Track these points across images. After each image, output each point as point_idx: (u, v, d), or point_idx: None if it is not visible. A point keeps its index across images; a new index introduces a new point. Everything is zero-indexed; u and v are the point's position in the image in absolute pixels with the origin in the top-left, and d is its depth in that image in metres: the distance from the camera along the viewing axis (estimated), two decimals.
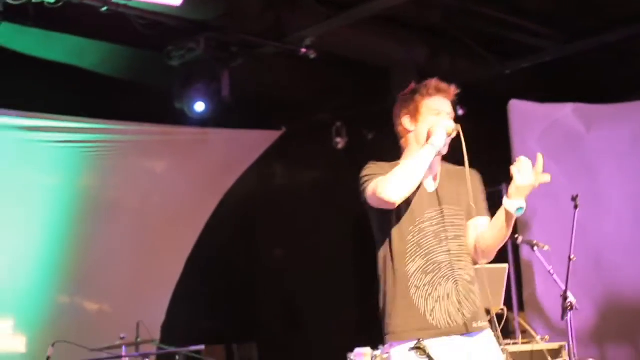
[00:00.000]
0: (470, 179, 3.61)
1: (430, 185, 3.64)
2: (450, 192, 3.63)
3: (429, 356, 3.24)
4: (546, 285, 6.52)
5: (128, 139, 7.97)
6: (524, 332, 6.47)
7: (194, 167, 8.46)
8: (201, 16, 6.99)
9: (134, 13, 6.56)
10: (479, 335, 3.47)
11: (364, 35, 7.92)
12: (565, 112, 7.55)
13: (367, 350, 5.44)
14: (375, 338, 5.73)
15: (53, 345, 5.76)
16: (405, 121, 3.73)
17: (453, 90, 3.71)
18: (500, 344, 5.61)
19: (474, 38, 8.33)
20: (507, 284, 6.20)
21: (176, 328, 8.22)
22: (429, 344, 3.30)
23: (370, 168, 3.67)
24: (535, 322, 6.96)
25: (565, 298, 5.34)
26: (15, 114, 7.37)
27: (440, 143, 3.55)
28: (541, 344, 5.87)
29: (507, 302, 6.98)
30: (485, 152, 8.31)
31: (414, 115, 3.69)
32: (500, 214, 3.52)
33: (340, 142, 9.54)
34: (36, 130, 7.55)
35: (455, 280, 3.47)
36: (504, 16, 7.87)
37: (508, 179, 7.98)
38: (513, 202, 3.50)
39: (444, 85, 3.70)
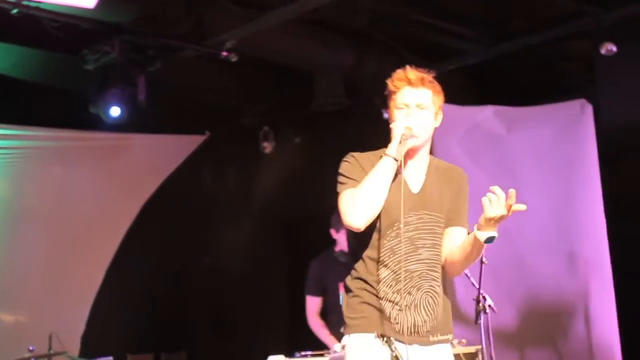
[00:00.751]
0: (452, 182, 3.50)
1: (416, 185, 3.42)
2: (434, 196, 3.42)
3: (392, 349, 3.24)
4: (466, 289, 6.49)
5: (44, 144, 7.80)
6: None
7: (114, 173, 8.30)
8: (116, 18, 6.88)
9: (46, 15, 6.42)
10: (435, 346, 3.36)
11: (288, 38, 7.86)
12: (486, 114, 7.57)
13: (280, 357, 5.37)
14: (308, 344, 5.69)
15: None
16: (387, 115, 3.50)
17: (421, 78, 3.43)
18: None
19: (400, 41, 8.32)
20: None
21: (99, 338, 8.06)
22: (397, 344, 3.27)
23: (347, 166, 3.41)
24: (455, 326, 6.92)
25: (478, 301, 5.34)
26: None
27: (396, 152, 3.27)
28: (457, 348, 5.82)
29: None
30: None
31: (389, 108, 3.47)
32: (470, 240, 3.34)
33: (267, 147, 9.47)
34: None
35: (426, 291, 3.33)
36: (430, 20, 7.88)
37: None
38: (483, 232, 3.28)
39: (412, 74, 3.42)
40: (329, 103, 8.54)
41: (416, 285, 3.30)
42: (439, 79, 8.65)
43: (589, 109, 7.53)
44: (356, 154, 3.45)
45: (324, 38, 8.11)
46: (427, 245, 3.35)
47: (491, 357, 5.37)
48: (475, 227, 3.32)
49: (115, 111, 7.42)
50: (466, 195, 3.56)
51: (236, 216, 9.66)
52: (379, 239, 3.32)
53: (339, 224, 6.27)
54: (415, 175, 3.42)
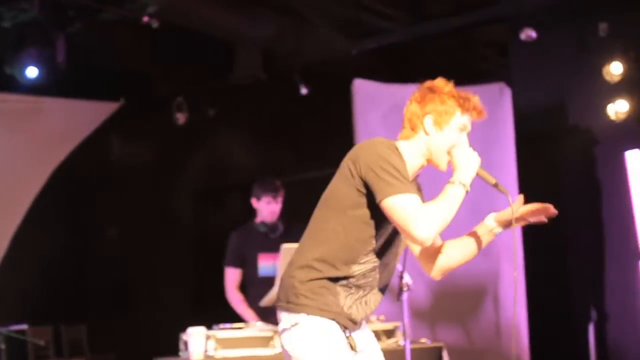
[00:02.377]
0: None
1: None
2: None
3: (348, 337, 3.33)
4: None
5: None
6: None
7: (24, 137, 8.03)
8: None
9: None
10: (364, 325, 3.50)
11: (210, 8, 7.76)
12: (408, 92, 7.52)
13: (201, 329, 5.30)
14: (211, 319, 5.62)
15: None
16: (428, 120, 3.43)
17: (485, 115, 3.50)
18: None
19: (321, 17, 8.29)
20: None
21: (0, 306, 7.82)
22: (353, 333, 3.35)
23: (398, 160, 3.27)
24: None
25: (401, 278, 5.38)
26: None
27: (468, 182, 3.39)
28: (376, 324, 5.86)
29: None
30: (328, 132, 8.36)
31: (441, 120, 3.41)
32: (482, 236, 3.57)
33: (180, 118, 9.30)
34: None
35: (378, 292, 3.39)
36: None
37: None
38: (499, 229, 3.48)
39: (481, 108, 3.46)
40: (246, 76, 8.46)
41: (375, 286, 3.36)
42: (358, 57, 8.67)
43: (507, 93, 7.64)
44: (394, 147, 3.38)
45: (246, 9, 8.04)
46: (397, 254, 3.45)
47: (408, 334, 5.42)
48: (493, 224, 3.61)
49: (32, 72, 7.17)
50: None
51: (146, 187, 9.51)
52: (369, 236, 3.28)
53: (260, 193, 6.24)
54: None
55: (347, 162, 3.32)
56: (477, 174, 3.44)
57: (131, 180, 9.32)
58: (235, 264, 6.16)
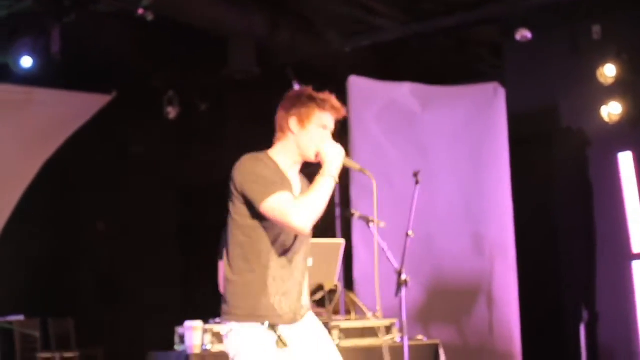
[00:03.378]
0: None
1: (297, 190, 3.76)
2: None
3: (279, 335, 3.62)
4: (379, 263, 6.52)
5: None
6: (351, 310, 6.47)
7: (16, 128, 7.98)
8: None
9: None
10: (304, 318, 3.80)
11: (204, 2, 7.72)
12: (403, 90, 7.59)
13: (199, 323, 5.26)
14: (201, 314, 5.59)
15: None
16: (293, 121, 3.71)
17: (344, 112, 3.79)
18: (331, 320, 5.61)
19: (316, 14, 8.27)
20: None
21: None
22: (280, 327, 3.64)
23: (266, 169, 3.64)
24: (365, 300, 6.96)
25: (400, 274, 5.36)
26: None
27: (335, 173, 3.64)
28: (372, 321, 5.85)
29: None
30: None
31: (303, 120, 3.71)
32: None
33: (171, 112, 9.25)
34: None
35: (295, 279, 3.74)
36: None
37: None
38: None
39: (339, 105, 3.77)
40: (239, 71, 8.43)
41: (293, 275, 3.74)
42: (352, 54, 8.66)
43: (501, 93, 7.66)
44: (261, 157, 3.70)
45: (240, 4, 8.01)
46: (304, 241, 3.75)
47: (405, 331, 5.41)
48: None
49: (26, 62, 7.10)
50: None
51: (136, 181, 9.45)
52: (274, 229, 3.63)
53: None
54: (298, 184, 3.78)
55: (230, 184, 3.68)
56: (344, 164, 3.70)
57: (121, 174, 9.25)
58: None
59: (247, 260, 3.68)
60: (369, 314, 5.97)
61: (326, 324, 5.61)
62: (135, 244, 9.31)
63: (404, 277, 5.37)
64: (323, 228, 7.77)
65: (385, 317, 6.02)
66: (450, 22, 8.05)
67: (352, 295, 6.55)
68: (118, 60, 8.42)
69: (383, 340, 5.76)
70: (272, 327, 3.64)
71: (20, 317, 5.59)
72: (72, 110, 8.34)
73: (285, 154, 3.72)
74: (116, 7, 7.25)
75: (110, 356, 8.69)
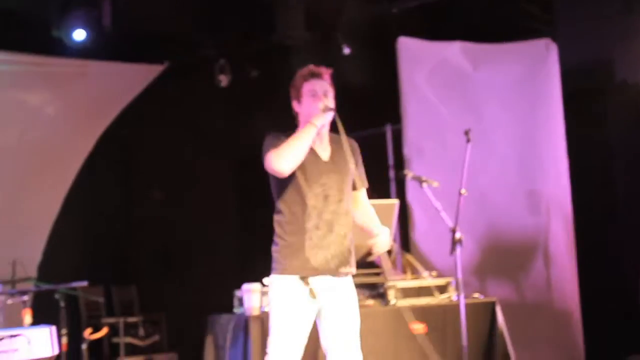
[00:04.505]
0: (351, 151, 4.33)
1: (325, 154, 4.30)
2: (339, 161, 4.30)
3: (310, 286, 4.14)
4: (433, 223, 6.55)
5: (2, 69, 7.54)
6: (410, 269, 6.51)
7: (72, 101, 8.09)
8: None
9: None
10: (344, 279, 4.27)
11: None
12: (453, 50, 7.55)
13: (256, 285, 5.36)
14: (259, 277, 5.68)
15: None
16: (294, 103, 4.34)
17: (326, 72, 4.33)
18: (386, 280, 5.66)
19: None
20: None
21: (53, 268, 7.92)
22: (312, 279, 4.18)
23: (269, 139, 4.20)
24: (421, 259, 6.99)
25: (454, 233, 5.39)
26: None
27: (320, 122, 4.16)
28: (428, 280, 5.90)
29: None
30: (373, 91, 8.34)
31: (298, 97, 4.32)
32: (368, 229, 4.41)
33: (223, 80, 9.31)
34: None
35: (336, 234, 4.22)
36: None
37: (394, 119, 7.98)
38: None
39: (317, 69, 4.32)
40: (288, 37, 8.44)
41: (330, 230, 4.21)
42: (401, 15, 8.61)
43: (553, 48, 7.59)
44: (273, 134, 4.24)
45: None
46: (336, 200, 4.24)
47: (461, 289, 5.43)
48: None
49: (79, 35, 7.20)
50: (361, 161, 4.46)
51: (190, 150, 9.54)
52: (302, 195, 4.20)
53: None
54: (322, 145, 4.31)
55: None
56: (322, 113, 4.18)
57: (175, 142, 9.35)
58: None
59: (285, 224, 4.22)
60: (425, 274, 6.01)
61: (382, 284, 5.69)
62: (192, 212, 9.42)
63: (458, 235, 5.40)
64: (378, 190, 7.85)
65: (443, 276, 6.05)
66: None
67: (408, 256, 6.60)
68: (169, 31, 8.47)
69: (439, 299, 5.80)
70: (304, 279, 4.15)
71: (84, 283, 5.73)
72: (125, 81, 8.43)
73: (302, 120, 4.25)
74: None
75: (172, 320, 8.84)
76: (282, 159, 4.08)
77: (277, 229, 4.28)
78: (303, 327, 4.17)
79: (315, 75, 4.31)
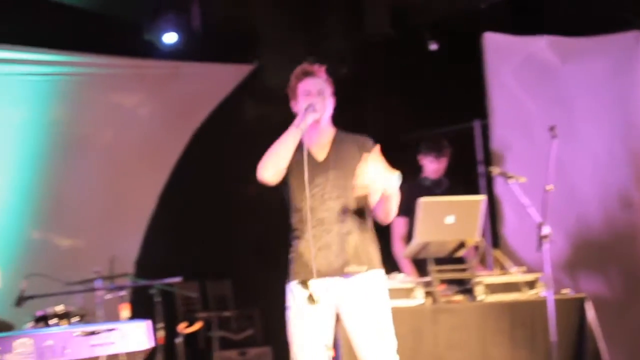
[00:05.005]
0: (358, 146, 4.28)
1: (321, 154, 4.28)
2: (338, 158, 4.26)
3: (309, 290, 4.05)
4: (521, 218, 6.53)
5: (98, 72, 7.80)
6: (498, 265, 6.51)
7: (166, 101, 8.32)
8: None
9: None
10: (354, 277, 4.16)
11: None
12: (541, 45, 7.49)
13: None
14: None
15: (26, 278, 5.65)
16: (292, 104, 4.43)
17: (318, 70, 4.38)
18: (474, 276, 5.68)
19: None
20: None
21: (149, 264, 8.15)
22: (312, 283, 4.07)
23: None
24: (509, 255, 6.98)
25: (540, 228, 5.39)
26: None
27: (303, 124, 4.15)
28: (517, 275, 5.89)
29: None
30: (459, 87, 8.33)
31: (294, 98, 4.41)
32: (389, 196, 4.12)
33: None
34: (2, 62, 7.38)
35: (336, 232, 4.15)
36: None
37: (481, 114, 7.95)
38: (388, 189, 4.05)
39: (310, 68, 4.37)
40: (375, 34, 8.50)
41: (327, 229, 4.15)
42: (487, 10, 8.55)
43: None
44: None
45: None
46: (333, 197, 4.18)
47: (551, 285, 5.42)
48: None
49: (169, 37, 7.40)
50: (378, 155, 4.19)
51: None
52: (298, 198, 4.21)
53: (425, 151, 6.62)
54: (320, 145, 4.30)
55: None
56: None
57: (267, 139, 9.49)
58: (402, 213, 6.24)
59: (292, 229, 4.28)
60: (513, 269, 6.00)
61: (469, 280, 5.72)
62: (284, 209, 9.54)
63: (545, 231, 5.39)
64: (467, 185, 7.86)
65: (533, 272, 6.03)
66: None
67: (496, 252, 6.60)
68: (257, 30, 8.62)
69: (528, 294, 5.79)
70: (304, 283, 4.09)
71: (178, 279, 5.91)
72: (216, 81, 8.61)
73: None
74: None
75: (267, 315, 8.98)
76: (263, 168, 4.17)
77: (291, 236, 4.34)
78: (311, 334, 4.08)
79: (309, 74, 4.35)
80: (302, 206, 4.14)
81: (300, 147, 4.15)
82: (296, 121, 4.19)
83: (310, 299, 4.04)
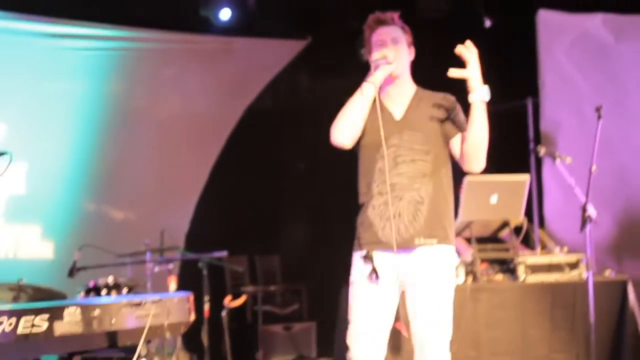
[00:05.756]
0: (440, 104, 3.82)
1: (398, 113, 3.81)
2: (416, 118, 3.79)
3: (372, 264, 3.64)
4: (567, 199, 6.51)
5: (152, 47, 7.95)
6: (544, 245, 6.51)
7: (219, 77, 8.41)
8: None
9: None
10: (423, 250, 3.69)
11: None
12: (595, 22, 7.42)
13: None
14: None
15: (80, 249, 5.84)
16: (366, 56, 3.97)
17: (391, 16, 3.94)
18: (516, 256, 5.69)
19: None
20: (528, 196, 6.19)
21: (199, 238, 8.27)
22: (377, 255, 3.68)
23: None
24: (554, 235, 6.97)
25: (584, 210, 5.37)
26: (39, 19, 7.40)
27: (375, 78, 3.76)
28: (559, 256, 5.89)
29: (529, 214, 7.01)
30: (512, 64, 8.28)
31: (368, 49, 3.97)
32: (471, 111, 3.67)
33: (365, 53, 9.41)
34: (61, 37, 7.57)
35: (408, 201, 3.69)
36: None
37: (534, 92, 7.89)
38: (474, 93, 3.65)
39: (382, 16, 3.93)
40: (431, 9, 8.48)
41: (398, 196, 3.70)
42: None
43: None
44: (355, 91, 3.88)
45: None
46: (407, 161, 3.73)
47: (593, 266, 5.41)
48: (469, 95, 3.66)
49: (225, 13, 7.49)
50: (460, 111, 3.83)
51: (332, 121, 9.70)
52: (370, 160, 3.77)
53: None
54: (398, 102, 3.84)
55: None
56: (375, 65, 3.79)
57: (320, 115, 9.54)
58: None
59: (360, 196, 3.83)
60: (556, 250, 6.00)
61: (512, 260, 5.74)
62: (336, 185, 9.59)
63: (588, 212, 5.37)
64: (518, 163, 7.84)
65: (574, 252, 6.02)
66: None
67: (541, 232, 6.60)
68: (311, 7, 8.67)
69: (569, 275, 5.79)
70: (368, 257, 3.65)
71: (224, 253, 6.00)
72: (269, 57, 8.67)
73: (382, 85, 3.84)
74: None
75: (312, 290, 9.07)
76: (337, 131, 3.77)
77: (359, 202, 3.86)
78: (371, 312, 3.67)
79: (382, 23, 3.91)
80: (375, 167, 3.73)
81: (375, 104, 3.73)
82: (369, 77, 3.76)
83: (374, 274, 3.63)
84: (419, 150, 3.74)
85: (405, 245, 3.66)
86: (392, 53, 3.77)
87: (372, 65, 3.77)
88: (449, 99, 3.84)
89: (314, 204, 9.52)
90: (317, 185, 9.48)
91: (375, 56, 3.78)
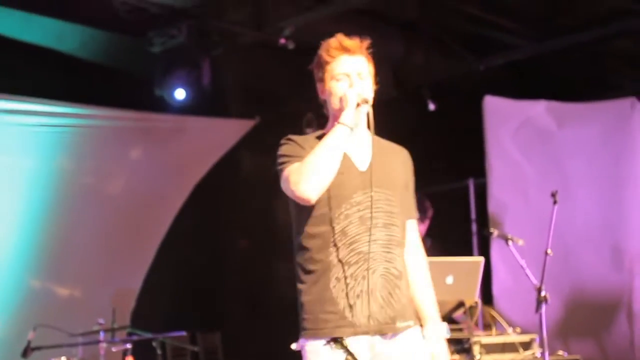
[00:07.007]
0: (402, 162, 3.32)
1: (362, 163, 3.18)
2: (382, 173, 3.17)
3: (346, 349, 3.01)
4: (516, 280, 6.66)
5: (106, 124, 7.93)
6: (489, 325, 6.61)
7: (170, 155, 8.44)
8: (183, 3, 7.03)
9: None
10: (402, 335, 3.13)
11: (341, 28, 7.95)
12: (538, 109, 7.70)
13: None
14: None
15: (35, 329, 5.73)
16: (319, 88, 3.34)
17: (360, 44, 3.28)
18: (471, 336, 5.78)
19: (450, 34, 8.45)
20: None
21: (144, 315, 8.21)
22: (351, 341, 3.04)
23: (288, 146, 3.25)
24: (504, 315, 7.09)
25: (539, 291, 5.51)
26: None
27: (351, 120, 3.12)
28: (513, 336, 5.99)
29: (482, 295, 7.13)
30: (458, 147, 8.52)
31: (322, 82, 3.30)
32: (422, 312, 3.27)
33: (309, 133, 9.54)
34: (12, 113, 7.50)
35: (382, 274, 3.07)
36: (480, 13, 8.01)
37: (477, 173, 8.09)
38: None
39: (348, 42, 3.26)
40: (377, 92, 8.66)
41: (371, 268, 3.05)
42: (487, 73, 8.77)
43: (638, 107, 7.65)
44: (294, 136, 3.30)
45: (375, 28, 8.22)
46: (379, 225, 3.10)
47: (546, 347, 5.52)
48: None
49: (180, 94, 7.56)
50: (412, 176, 3.39)
51: (278, 201, 9.76)
52: (328, 220, 3.09)
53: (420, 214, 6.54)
54: (359, 151, 3.20)
55: None
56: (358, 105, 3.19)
57: (261, 193, 9.63)
58: None
59: (309, 263, 3.11)
60: (509, 330, 6.10)
61: (467, 339, 5.82)
62: (278, 260, 9.63)
63: (543, 293, 5.51)
64: (460, 243, 7.99)
65: (525, 332, 6.14)
66: (586, 37, 8.02)
67: (491, 311, 6.70)
68: (261, 87, 8.81)
69: (523, 355, 5.89)
70: (338, 341, 3.00)
71: (182, 333, 5.97)
72: (220, 135, 8.76)
73: (332, 124, 3.23)
74: (260, 38, 7.66)
75: None
76: (305, 182, 2.99)
77: (300, 274, 3.14)
78: None
79: (347, 51, 3.22)
80: (336, 229, 3.04)
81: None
82: (344, 117, 3.09)
83: None
84: (389, 212, 3.14)
85: (381, 331, 3.05)
86: (368, 92, 3.22)
87: (347, 104, 3.14)
88: (409, 161, 3.38)
89: (254, 279, 9.51)
90: (258, 261, 9.50)
91: (351, 94, 3.15)
